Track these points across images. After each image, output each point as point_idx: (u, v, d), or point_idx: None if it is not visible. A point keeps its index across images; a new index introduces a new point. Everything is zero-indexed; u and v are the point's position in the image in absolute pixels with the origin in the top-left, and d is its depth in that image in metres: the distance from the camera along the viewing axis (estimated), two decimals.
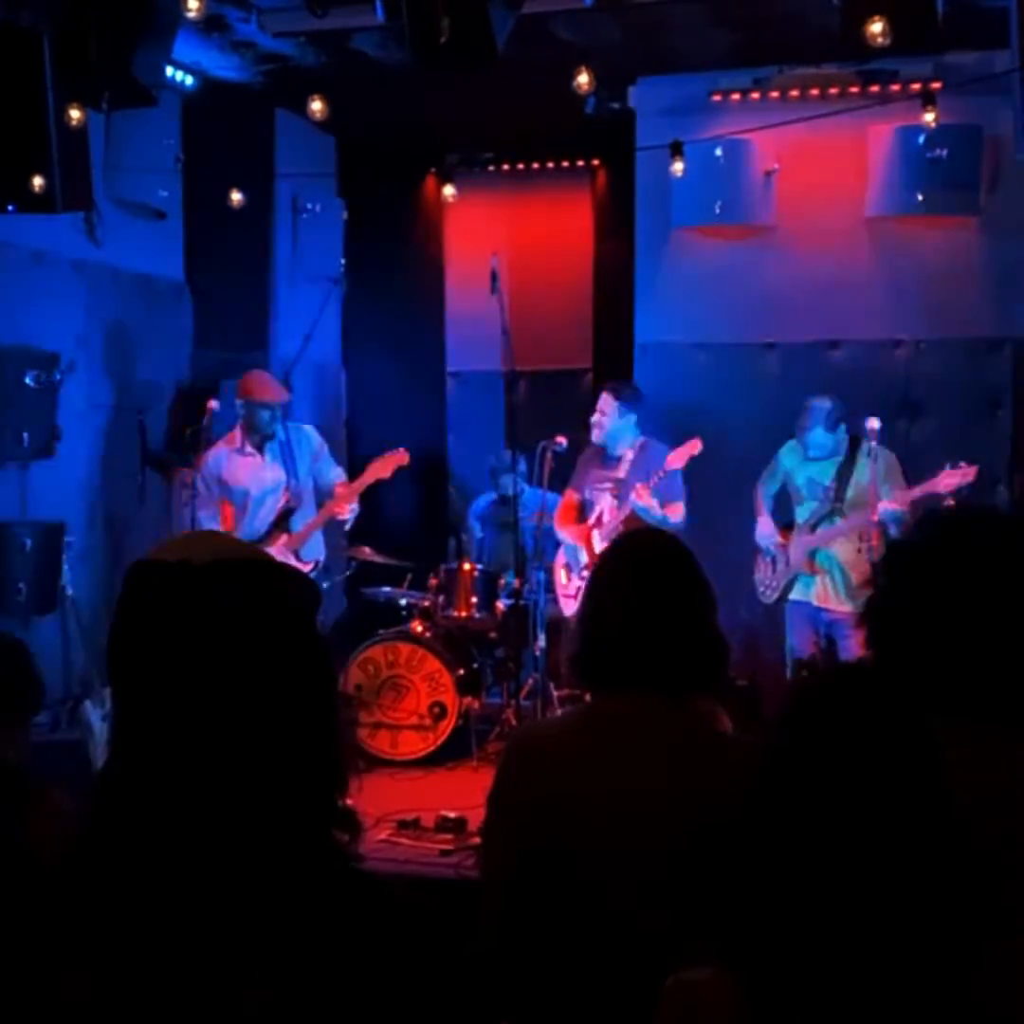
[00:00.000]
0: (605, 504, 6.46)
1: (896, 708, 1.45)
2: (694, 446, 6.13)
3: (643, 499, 6.10)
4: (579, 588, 6.43)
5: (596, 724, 2.33)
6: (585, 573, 6.37)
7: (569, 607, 6.47)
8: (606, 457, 6.52)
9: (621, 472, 6.41)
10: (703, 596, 2.34)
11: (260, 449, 6.43)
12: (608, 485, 6.45)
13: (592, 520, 6.51)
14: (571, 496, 6.64)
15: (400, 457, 6.42)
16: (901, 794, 1.38)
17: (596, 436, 6.47)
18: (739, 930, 1.41)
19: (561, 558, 6.67)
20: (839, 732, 1.42)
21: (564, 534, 6.60)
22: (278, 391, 6.47)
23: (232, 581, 1.37)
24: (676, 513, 6.16)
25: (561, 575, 6.65)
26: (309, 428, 6.71)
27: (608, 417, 6.43)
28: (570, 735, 2.35)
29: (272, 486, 6.42)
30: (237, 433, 6.47)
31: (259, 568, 1.42)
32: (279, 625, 1.38)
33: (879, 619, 1.92)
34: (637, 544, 2.52)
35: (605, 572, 2.44)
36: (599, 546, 6.33)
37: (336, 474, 6.59)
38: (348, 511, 6.39)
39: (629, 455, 6.42)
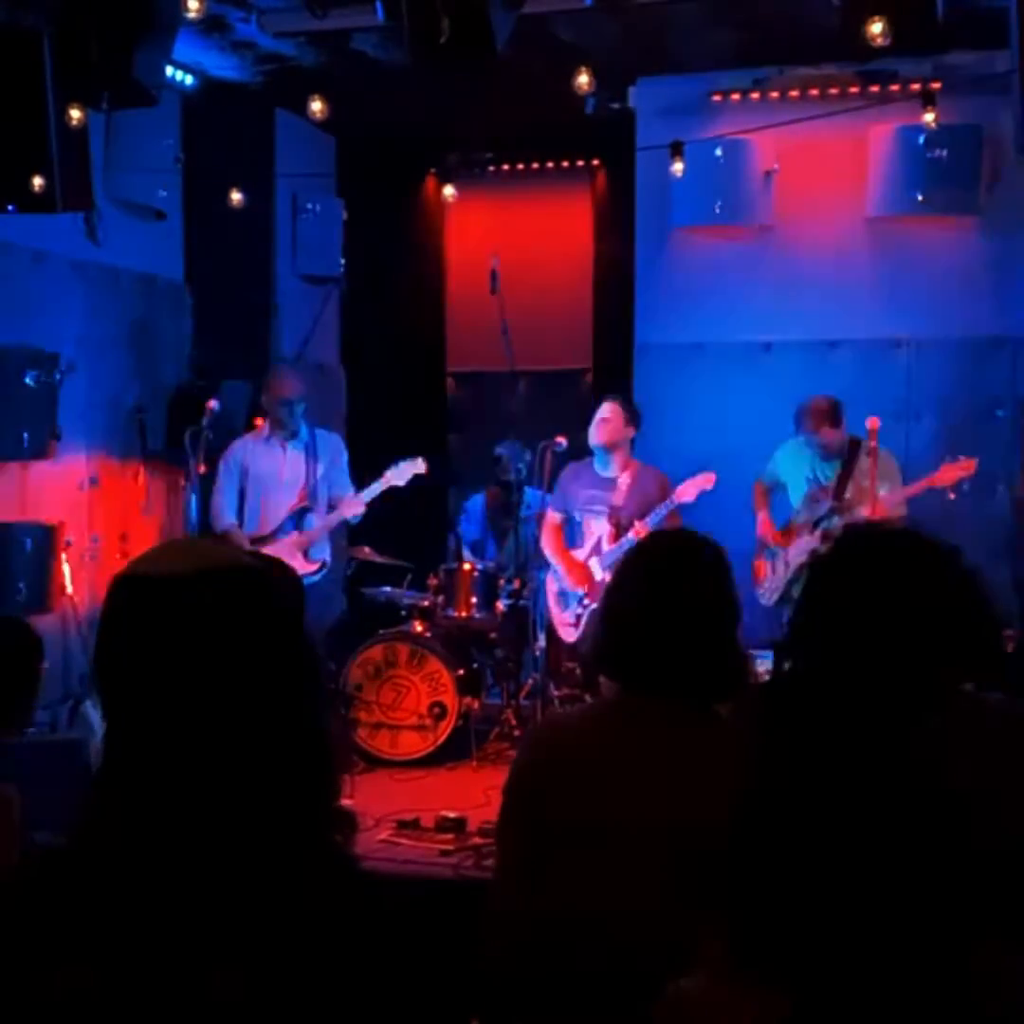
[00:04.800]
0: (602, 531, 6.17)
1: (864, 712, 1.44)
2: (708, 480, 5.96)
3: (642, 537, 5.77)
4: (579, 616, 6.23)
5: (619, 723, 2.31)
6: (585, 602, 6.16)
7: (569, 635, 6.28)
8: (595, 476, 6.26)
9: (617, 498, 6.14)
10: (733, 604, 2.32)
11: (283, 445, 6.53)
12: (603, 509, 6.18)
13: (588, 548, 6.25)
14: (554, 517, 6.36)
15: (417, 467, 6.43)
16: (900, 792, 1.38)
17: (597, 438, 6.16)
18: (743, 935, 1.40)
19: (552, 585, 6.40)
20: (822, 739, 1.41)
21: (559, 567, 6.31)
22: (294, 386, 6.54)
23: (215, 592, 1.38)
24: None
25: (555, 604, 6.38)
26: (336, 436, 6.80)
27: (614, 426, 6.16)
28: (592, 732, 2.34)
29: (288, 481, 6.51)
30: (264, 426, 6.61)
31: (242, 575, 1.42)
32: (263, 633, 1.39)
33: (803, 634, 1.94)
34: (676, 545, 2.46)
35: (641, 568, 2.39)
36: (600, 575, 6.11)
37: (348, 490, 6.59)
38: (354, 514, 6.50)
39: (625, 479, 6.15)
